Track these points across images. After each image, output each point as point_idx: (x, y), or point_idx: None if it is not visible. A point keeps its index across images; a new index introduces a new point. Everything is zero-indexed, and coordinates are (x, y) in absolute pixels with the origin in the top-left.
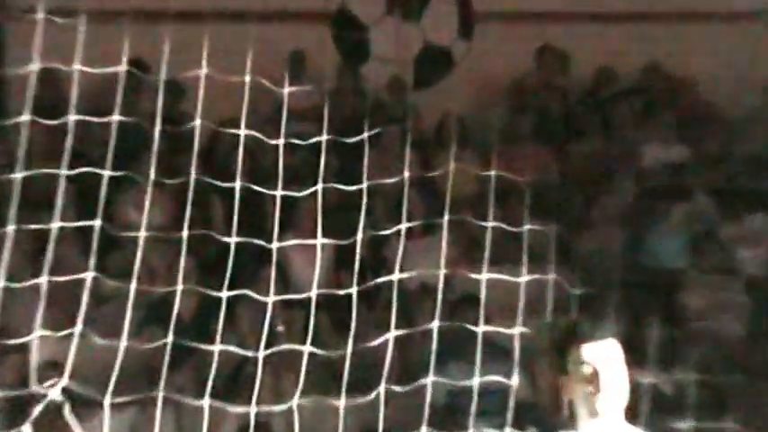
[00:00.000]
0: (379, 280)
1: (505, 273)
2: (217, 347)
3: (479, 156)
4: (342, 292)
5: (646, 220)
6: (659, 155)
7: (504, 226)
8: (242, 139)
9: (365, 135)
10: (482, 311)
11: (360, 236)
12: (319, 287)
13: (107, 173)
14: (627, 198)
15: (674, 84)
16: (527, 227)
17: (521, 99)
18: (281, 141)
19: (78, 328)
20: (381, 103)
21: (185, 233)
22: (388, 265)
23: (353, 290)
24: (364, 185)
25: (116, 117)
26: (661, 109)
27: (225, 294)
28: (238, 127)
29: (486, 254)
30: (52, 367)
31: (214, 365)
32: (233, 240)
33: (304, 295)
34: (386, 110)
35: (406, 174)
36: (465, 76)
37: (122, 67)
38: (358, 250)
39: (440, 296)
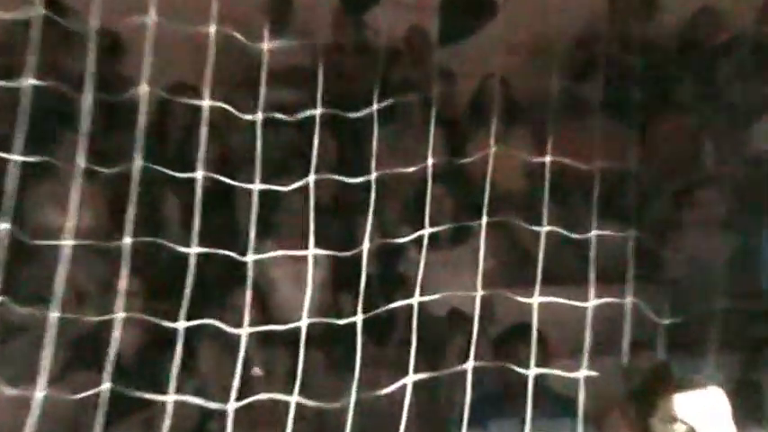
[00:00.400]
0: (394, 305)
1: (566, 295)
2: (171, 398)
3: (531, 136)
4: (342, 322)
5: (760, 222)
6: None
7: (563, 231)
8: (205, 113)
9: (373, 108)
10: (534, 347)
11: (366, 245)
12: (311, 315)
13: (15, 157)
14: (733, 193)
15: None
16: (595, 232)
17: (588, 58)
18: (258, 117)
19: None
20: (395, 63)
21: (127, 241)
22: (405, 285)
23: (358, 318)
24: (372, 176)
25: (28, 80)
26: None
27: (182, 325)
28: (200, 96)
29: (539, 269)
30: None
31: (167, 422)
32: (193, 251)
33: (291, 326)
34: (402, 73)
35: (430, 161)
36: (511, 27)
37: (36, 11)
38: (364, 265)
39: (476, 327)
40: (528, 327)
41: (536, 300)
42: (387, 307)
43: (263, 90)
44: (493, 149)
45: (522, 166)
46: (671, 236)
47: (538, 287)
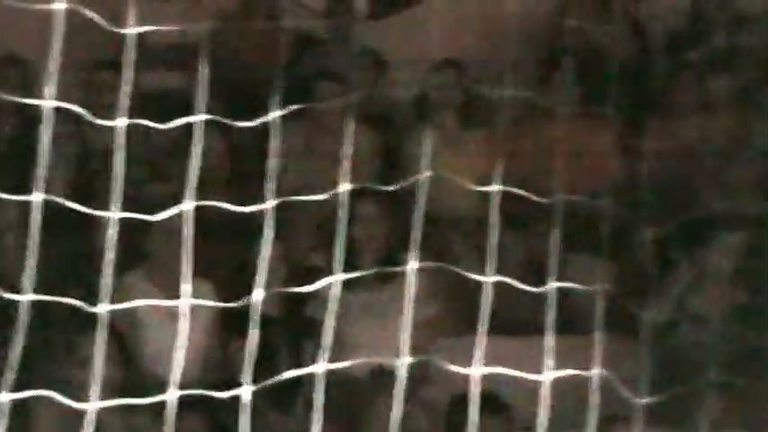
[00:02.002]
0: (301, 372)
1: (526, 349)
2: None
3: (490, 141)
4: (225, 395)
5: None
6: None
7: (511, 282)
8: (46, 112)
9: (274, 110)
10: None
11: (261, 285)
12: (190, 369)
13: None
14: (737, 223)
15: None
16: (553, 285)
17: (559, 42)
18: (120, 123)
19: None
20: (311, 43)
21: None
22: (316, 333)
23: (245, 389)
24: (269, 203)
25: None
26: None
27: (5, 398)
28: (38, 92)
29: (484, 321)
30: None
31: None
32: (24, 298)
33: (154, 399)
34: (319, 56)
35: (346, 170)
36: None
37: None
38: (257, 309)
39: (400, 389)
40: (488, 394)
41: (477, 371)
42: (280, 377)
43: (127, 81)
44: (427, 175)
45: (476, 180)
46: (655, 289)
47: (482, 343)
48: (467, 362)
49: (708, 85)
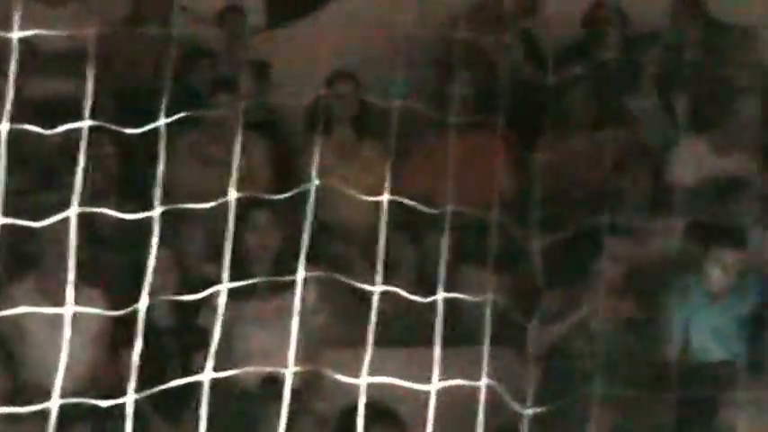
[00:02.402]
0: (186, 380)
1: (416, 360)
2: None
3: (388, 152)
4: (106, 404)
5: (677, 280)
6: (706, 162)
7: (400, 292)
8: None
9: (163, 117)
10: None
11: (147, 293)
12: (77, 377)
13: None
14: (643, 238)
15: (726, 37)
16: (441, 295)
17: (451, 54)
18: (2, 128)
19: None
20: (202, 51)
21: None
22: (207, 343)
23: (129, 398)
24: (156, 210)
25: None
26: (712, 77)
27: None
28: None
29: (370, 337)
30: None
31: None
32: None
33: (35, 407)
34: (211, 64)
35: (234, 179)
36: (361, 9)
37: None
38: (142, 318)
39: (286, 401)
40: (377, 405)
41: (364, 380)
42: (166, 385)
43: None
44: (315, 183)
45: (369, 191)
46: (543, 300)
47: (368, 354)
48: (359, 372)
49: (598, 99)
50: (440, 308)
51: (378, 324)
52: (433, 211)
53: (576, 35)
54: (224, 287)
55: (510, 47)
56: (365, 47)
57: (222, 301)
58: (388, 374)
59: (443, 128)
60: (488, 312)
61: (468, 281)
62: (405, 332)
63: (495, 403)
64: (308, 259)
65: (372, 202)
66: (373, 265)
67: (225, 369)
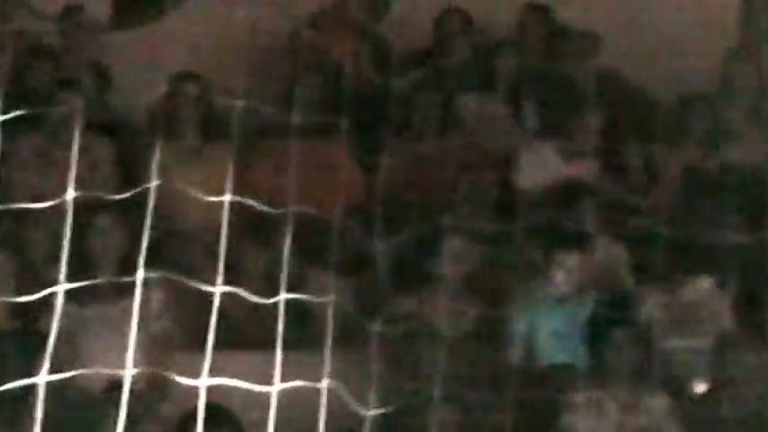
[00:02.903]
0: (21, 383)
1: (259, 363)
2: None
3: (223, 155)
4: None
5: (521, 284)
6: (551, 167)
7: (242, 293)
8: None
9: None
10: None
11: None
12: None
13: None
14: (487, 241)
15: (573, 43)
16: (284, 296)
17: (299, 57)
18: None
19: None
20: (43, 49)
21: None
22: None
23: None
24: None
25: None
26: (559, 83)
27: None
28: None
29: (212, 331)
30: None
31: None
32: None
33: None
34: (52, 63)
35: (72, 181)
36: (207, 10)
37: None
38: None
39: (124, 405)
40: (216, 407)
41: (204, 382)
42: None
43: None
44: (155, 184)
45: (214, 193)
46: (387, 302)
47: (208, 362)
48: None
49: (444, 104)
50: (282, 309)
51: (225, 326)
52: (275, 211)
53: (424, 40)
54: (61, 288)
55: (356, 50)
56: (211, 49)
57: (59, 302)
58: (235, 377)
59: (289, 130)
60: (331, 314)
61: (313, 283)
62: (253, 334)
63: (337, 405)
64: (154, 262)
65: (220, 203)
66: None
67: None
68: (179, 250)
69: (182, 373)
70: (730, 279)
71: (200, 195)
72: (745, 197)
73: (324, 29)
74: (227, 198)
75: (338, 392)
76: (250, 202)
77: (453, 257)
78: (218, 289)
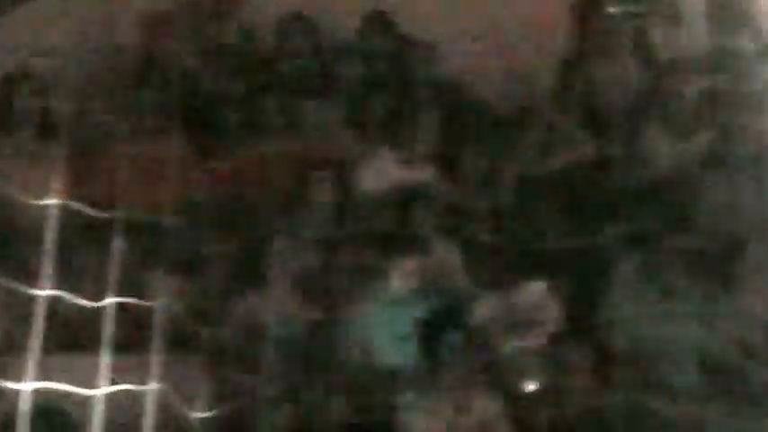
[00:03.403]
0: None
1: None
2: None
3: (57, 160)
4: None
5: (359, 286)
6: (390, 172)
7: (66, 296)
8: None
9: None
10: None
11: None
12: None
13: None
14: (326, 244)
15: (413, 51)
16: (111, 300)
17: (141, 58)
18: None
19: None
20: None
21: None
22: None
23: None
24: None
25: None
26: (399, 90)
27: None
28: None
29: (37, 336)
30: None
31: None
32: None
33: None
34: None
35: None
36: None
37: None
38: None
39: None
40: (53, 410)
41: (28, 386)
42: None
43: None
44: None
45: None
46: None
47: (32, 365)
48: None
49: (284, 109)
50: (110, 313)
51: (58, 329)
52: (105, 215)
53: (266, 45)
54: None
55: (194, 55)
56: (48, 49)
57: None
58: (65, 380)
59: (124, 133)
60: (159, 317)
61: (146, 286)
62: (86, 337)
63: (165, 408)
64: None
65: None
66: (57, 271)
67: None
68: (12, 251)
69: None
70: (562, 282)
71: (25, 198)
72: (576, 202)
73: (160, 32)
74: (52, 201)
75: (167, 395)
76: (76, 205)
77: (286, 260)
78: (44, 293)
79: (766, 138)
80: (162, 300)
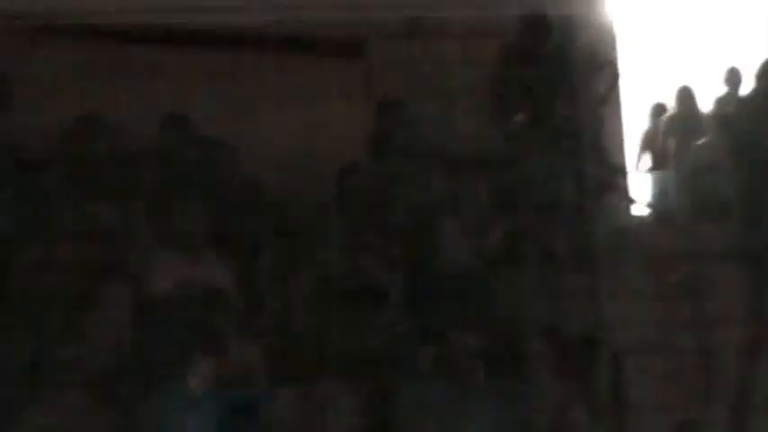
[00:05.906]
0: None
1: None
2: None
3: None
4: None
5: (157, 386)
6: (174, 276)
7: None
8: None
9: None
10: None
11: None
12: None
13: None
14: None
15: (214, 151)
16: None
17: None
18: None
19: None
20: None
21: None
22: None
23: None
24: None
25: None
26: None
27: None
28: None
29: None
30: None
31: None
32: None
33: None
34: None
35: None
36: None
37: None
38: None
39: None
40: None
41: None
42: None
43: None
44: None
45: None
46: None
47: None
48: None
49: (79, 210)
50: None
51: None
52: None
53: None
54: None
55: None
56: None
57: None
58: None
59: None
60: None
61: None
62: None
63: None
64: None
65: None
66: None
67: None
68: None
69: None
70: (358, 378)
71: None
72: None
73: None
74: None
75: None
76: None
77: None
78: None
79: None
80: None
